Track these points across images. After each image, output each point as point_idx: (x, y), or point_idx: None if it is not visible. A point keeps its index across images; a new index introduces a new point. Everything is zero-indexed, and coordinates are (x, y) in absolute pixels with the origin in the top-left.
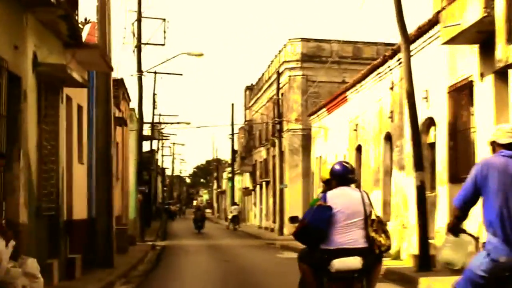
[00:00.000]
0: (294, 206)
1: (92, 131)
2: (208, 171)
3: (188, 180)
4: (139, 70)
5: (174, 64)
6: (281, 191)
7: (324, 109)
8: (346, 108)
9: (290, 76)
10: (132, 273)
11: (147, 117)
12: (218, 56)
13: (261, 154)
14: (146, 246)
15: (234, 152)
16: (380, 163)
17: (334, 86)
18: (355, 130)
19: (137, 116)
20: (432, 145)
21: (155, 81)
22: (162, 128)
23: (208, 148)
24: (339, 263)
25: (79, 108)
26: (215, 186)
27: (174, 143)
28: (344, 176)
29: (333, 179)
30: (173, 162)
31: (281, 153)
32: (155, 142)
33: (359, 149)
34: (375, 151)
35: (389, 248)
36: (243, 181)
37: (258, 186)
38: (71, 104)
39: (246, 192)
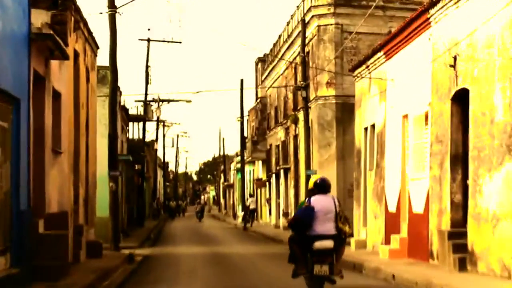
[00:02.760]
0: None
1: None
2: (215, 167)
3: (195, 178)
4: (112, 6)
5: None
6: (308, 179)
7: (381, 54)
8: (428, 37)
9: (319, 26)
10: None
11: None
12: (224, 26)
13: (277, 136)
14: (117, 259)
15: (243, 137)
16: None
17: (378, 38)
18: (452, 66)
19: (111, 74)
20: None
21: (148, 50)
22: (158, 104)
23: (215, 143)
24: (319, 244)
25: None
26: (222, 180)
27: (178, 135)
28: (323, 187)
29: (316, 188)
30: (176, 154)
31: (308, 129)
32: (152, 128)
33: (460, 96)
34: (504, 94)
35: (351, 235)
36: (255, 171)
37: (273, 176)
38: None
39: (259, 183)
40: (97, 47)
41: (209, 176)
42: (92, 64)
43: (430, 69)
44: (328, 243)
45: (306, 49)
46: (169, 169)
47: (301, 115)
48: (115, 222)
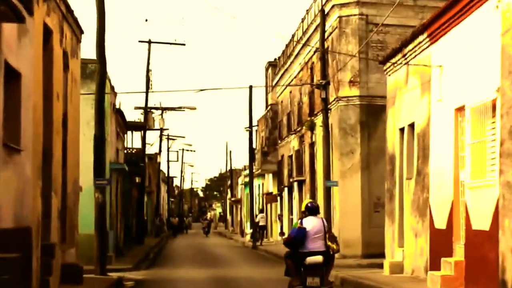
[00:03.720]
0: (350, 213)
1: None
2: (221, 184)
3: (201, 194)
4: None
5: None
6: (328, 192)
7: (423, 37)
8: (495, 4)
9: (341, 17)
10: None
11: (138, 99)
12: (232, 29)
13: (290, 145)
14: (100, 285)
15: (252, 148)
16: None
17: (407, 30)
18: None
19: (98, 63)
20: None
21: (149, 52)
22: (161, 114)
23: (222, 159)
24: (310, 259)
25: None
26: (228, 195)
27: (183, 149)
28: (313, 210)
29: (307, 211)
30: (182, 169)
31: (327, 134)
32: (155, 140)
33: None
34: None
35: (338, 251)
36: (265, 184)
37: (286, 190)
38: None
39: (269, 198)
40: (81, 31)
41: (215, 192)
42: (73, 49)
43: (499, 45)
44: (318, 259)
45: (325, 44)
46: (174, 185)
47: (318, 120)
48: (101, 240)
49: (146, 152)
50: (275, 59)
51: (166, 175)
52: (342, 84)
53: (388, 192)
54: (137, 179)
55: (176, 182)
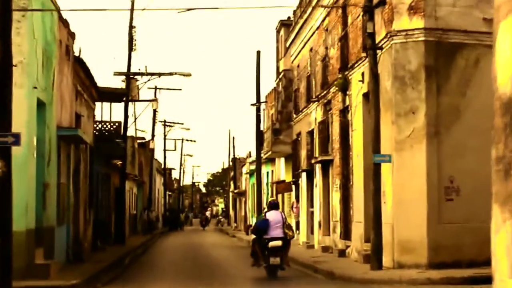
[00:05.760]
0: (409, 202)
1: None
2: (224, 178)
3: (203, 190)
4: None
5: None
6: (377, 169)
7: None
8: None
9: None
10: None
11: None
12: None
13: (310, 118)
14: None
15: (259, 126)
16: None
17: None
18: None
19: None
20: None
21: (133, 4)
22: (154, 93)
23: (225, 151)
24: (272, 243)
25: None
26: (231, 187)
27: (182, 139)
28: (274, 206)
29: (269, 207)
30: (181, 161)
31: (376, 86)
32: (145, 121)
33: None
34: None
35: (293, 237)
36: (275, 172)
37: (304, 175)
38: None
39: (282, 187)
40: None
41: (218, 188)
42: None
43: None
44: (279, 243)
45: None
46: (173, 178)
47: (356, 75)
48: (3, 240)
49: (138, 136)
50: (289, 17)
51: (163, 166)
52: (398, 12)
53: (501, 163)
54: (118, 163)
55: (176, 175)
